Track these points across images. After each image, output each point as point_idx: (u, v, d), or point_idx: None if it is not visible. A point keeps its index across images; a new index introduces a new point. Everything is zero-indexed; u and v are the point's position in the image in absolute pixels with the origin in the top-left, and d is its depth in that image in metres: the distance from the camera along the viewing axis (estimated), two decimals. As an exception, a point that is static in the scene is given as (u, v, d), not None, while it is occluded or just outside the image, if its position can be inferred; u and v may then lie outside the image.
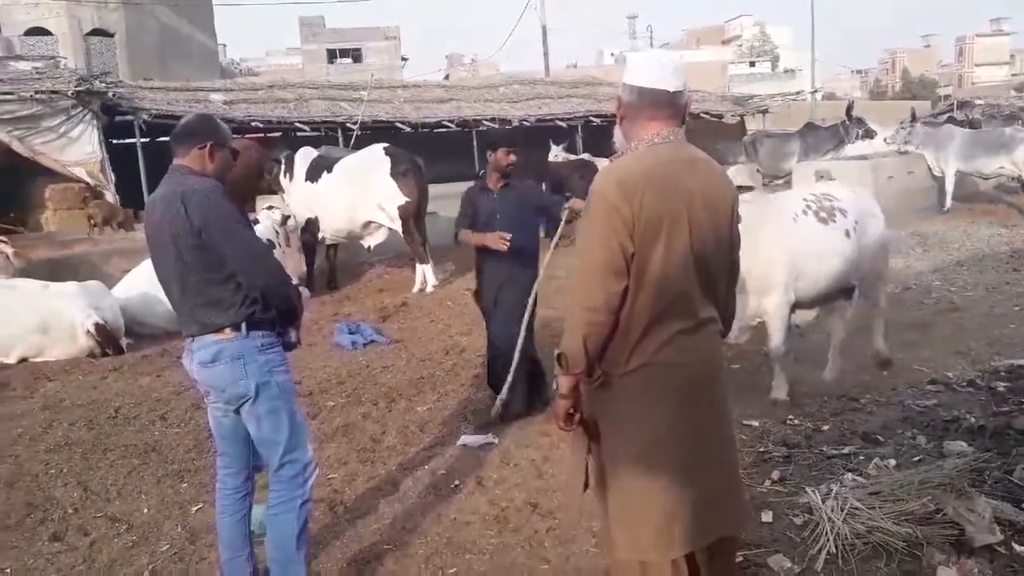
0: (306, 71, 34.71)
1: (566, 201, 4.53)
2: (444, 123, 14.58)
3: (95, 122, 10.41)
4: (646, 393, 2.16)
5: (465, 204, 4.86)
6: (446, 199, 11.31)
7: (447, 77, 37.86)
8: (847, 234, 4.88)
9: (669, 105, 2.19)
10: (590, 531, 3.41)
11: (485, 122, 14.81)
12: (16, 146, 10.03)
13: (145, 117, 11.25)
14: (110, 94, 10.98)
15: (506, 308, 4.69)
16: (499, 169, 4.76)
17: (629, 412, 2.18)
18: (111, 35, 23.48)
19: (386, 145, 9.20)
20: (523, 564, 3.23)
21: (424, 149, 11.21)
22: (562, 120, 15.83)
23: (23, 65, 12.64)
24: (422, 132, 14.68)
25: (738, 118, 19.50)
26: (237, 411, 2.85)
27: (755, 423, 4.44)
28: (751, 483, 3.67)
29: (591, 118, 16.42)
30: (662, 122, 2.19)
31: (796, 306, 5.02)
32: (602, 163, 12.59)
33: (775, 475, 3.76)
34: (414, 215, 8.85)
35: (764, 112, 20.15)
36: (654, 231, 2.07)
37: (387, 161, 8.85)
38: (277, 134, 14.02)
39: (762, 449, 4.10)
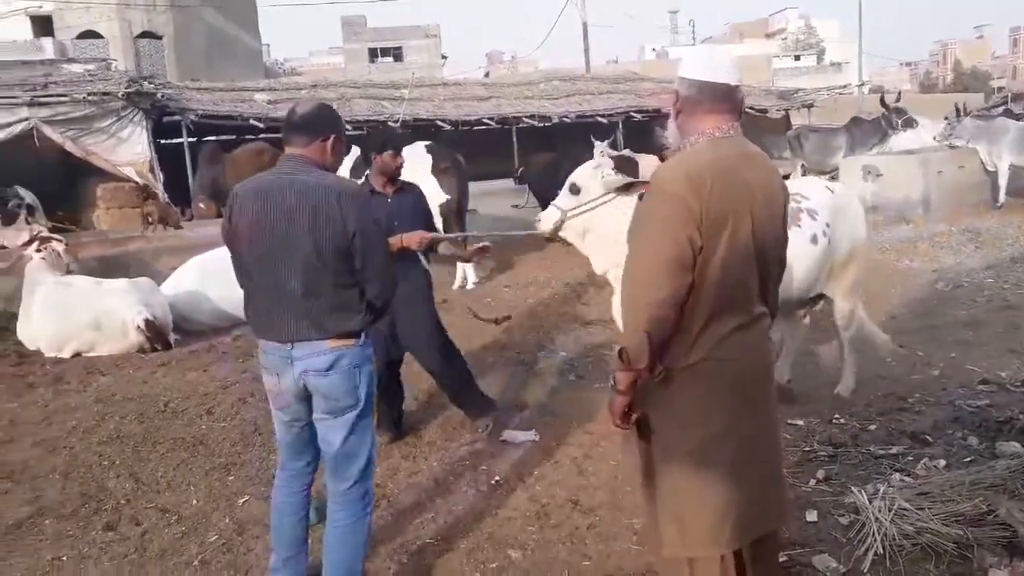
0: (348, 70, 35.12)
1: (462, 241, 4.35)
2: (484, 121, 14.61)
3: (144, 122, 10.67)
4: (704, 388, 2.16)
5: None
6: (486, 196, 11.40)
7: (487, 75, 37.94)
8: (813, 239, 4.40)
9: (727, 99, 2.20)
10: (631, 528, 3.41)
11: (525, 119, 14.81)
12: (70, 146, 10.32)
13: (192, 117, 11.49)
14: (159, 95, 11.23)
15: (418, 322, 4.40)
16: (387, 172, 4.36)
17: (686, 407, 2.18)
18: (159, 37, 24.04)
19: (428, 143, 9.27)
20: (564, 560, 3.23)
21: (464, 147, 11.25)
22: (603, 116, 15.74)
23: (76, 68, 12.99)
24: (462, 130, 14.72)
25: (783, 113, 19.18)
26: (309, 423, 2.79)
27: (800, 422, 4.38)
28: (796, 482, 3.62)
29: (632, 114, 16.30)
30: (721, 116, 2.19)
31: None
32: (644, 159, 12.52)
33: (820, 474, 3.71)
34: (455, 212, 8.89)
35: (809, 106, 19.78)
36: (719, 225, 2.07)
37: (428, 159, 8.91)
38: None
39: (807, 448, 4.04)
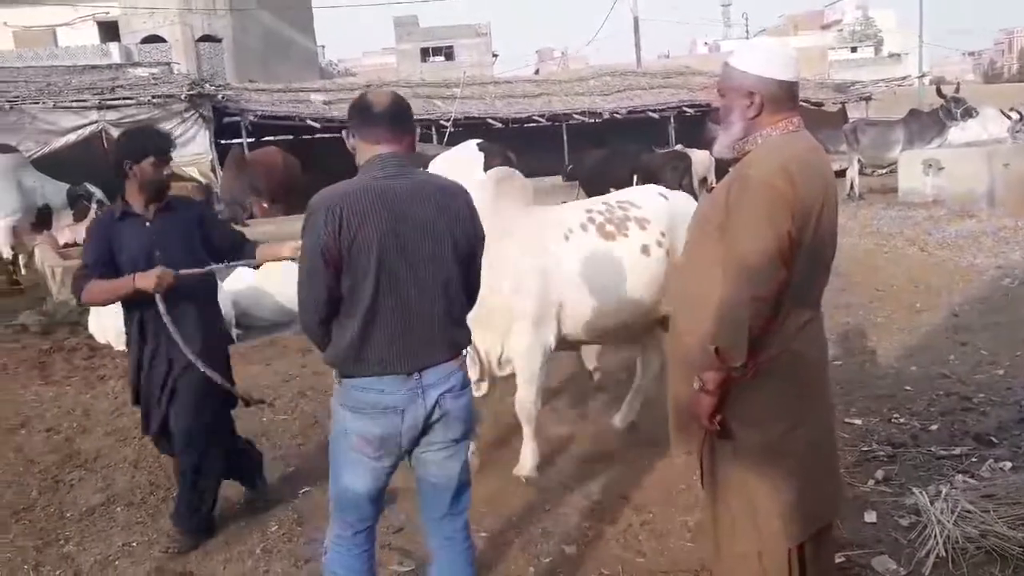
0: (400, 70, 35.52)
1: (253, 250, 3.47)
2: (534, 118, 14.65)
3: (206, 123, 10.99)
4: (778, 383, 2.18)
5: (96, 242, 3.37)
6: (538, 193, 11.43)
7: (537, 72, 37.92)
8: (644, 250, 3.98)
9: (797, 95, 2.26)
10: (685, 526, 3.41)
11: (575, 115, 14.80)
12: (135, 148, 10.68)
13: (251, 118, 11.82)
14: (219, 97, 11.56)
15: (195, 390, 3.42)
16: (150, 187, 3.36)
17: (760, 402, 2.20)
18: (219, 40, 24.66)
19: (479, 141, 9.28)
20: (617, 556, 3.25)
21: (515, 144, 11.29)
22: (654, 111, 15.64)
23: (141, 71, 13.45)
24: (513, 127, 14.79)
25: (839, 106, 18.77)
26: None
27: (858, 421, 4.31)
28: (854, 482, 3.58)
29: (684, 108, 16.15)
30: (793, 112, 2.22)
31: (573, 344, 4.16)
32: (696, 154, 12.40)
33: (879, 475, 3.65)
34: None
35: (867, 99, 19.32)
36: (807, 219, 2.10)
37: (480, 157, 8.93)
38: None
39: (865, 448, 3.98)
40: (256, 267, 3.58)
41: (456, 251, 2.32)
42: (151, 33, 23.77)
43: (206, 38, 24.47)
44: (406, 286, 2.25)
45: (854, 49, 55.88)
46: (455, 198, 2.36)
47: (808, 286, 2.21)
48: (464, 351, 2.44)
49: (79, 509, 3.94)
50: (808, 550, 2.29)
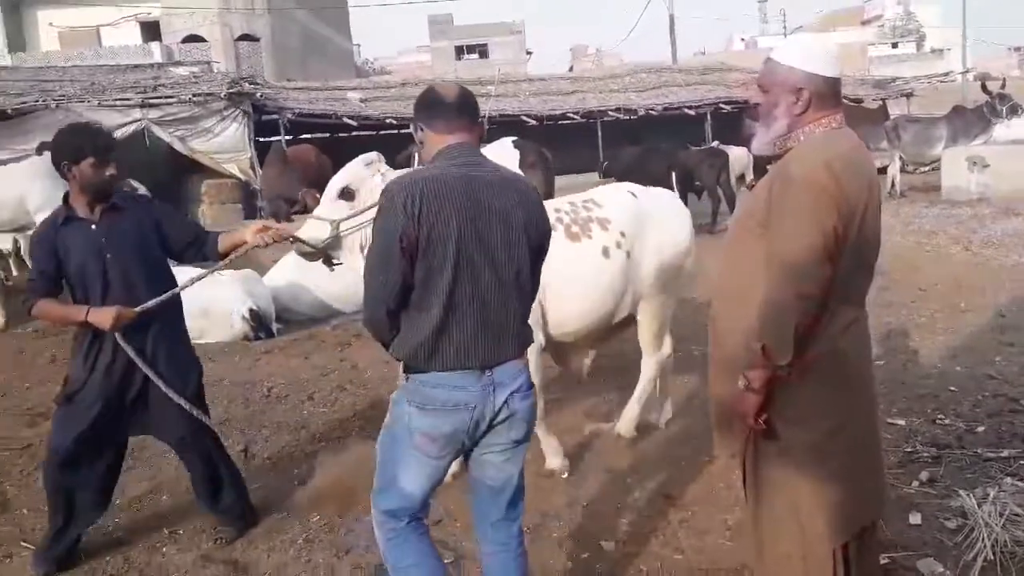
0: (435, 68, 35.68)
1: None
2: (569, 115, 14.63)
3: (245, 121, 11.15)
4: (823, 382, 2.16)
5: (42, 252, 3.19)
6: (572, 190, 11.39)
7: (571, 69, 37.85)
8: (605, 252, 3.84)
9: (840, 93, 2.25)
10: (725, 524, 3.40)
11: (610, 112, 14.74)
12: (177, 145, 10.90)
13: (289, 116, 11.97)
14: (258, 95, 11.72)
15: (163, 403, 3.27)
16: (92, 189, 3.17)
17: (806, 402, 2.18)
18: (257, 39, 24.99)
19: (515, 138, 9.36)
20: (656, 553, 3.24)
21: (550, 141, 11.31)
22: (690, 108, 15.51)
23: (182, 71, 13.68)
24: (547, 124, 14.79)
25: (879, 102, 18.45)
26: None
27: (901, 421, 4.24)
28: (897, 483, 3.53)
29: (720, 105, 15.99)
30: (837, 110, 2.20)
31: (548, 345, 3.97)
32: (733, 151, 12.28)
33: (924, 476, 3.60)
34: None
35: (908, 95, 18.96)
36: (852, 216, 2.07)
37: (515, 154, 8.99)
38: (409, 130, 14.55)
39: (909, 449, 3.92)
40: (218, 260, 3.44)
41: (529, 244, 2.27)
42: (191, 33, 24.18)
43: (245, 37, 24.82)
44: (484, 277, 2.18)
45: (895, 45, 54.74)
46: (530, 190, 2.35)
47: (853, 284, 2.19)
48: (527, 350, 2.39)
49: (127, 497, 4.03)
50: (852, 551, 2.27)
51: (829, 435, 2.19)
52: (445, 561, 3.17)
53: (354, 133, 14.09)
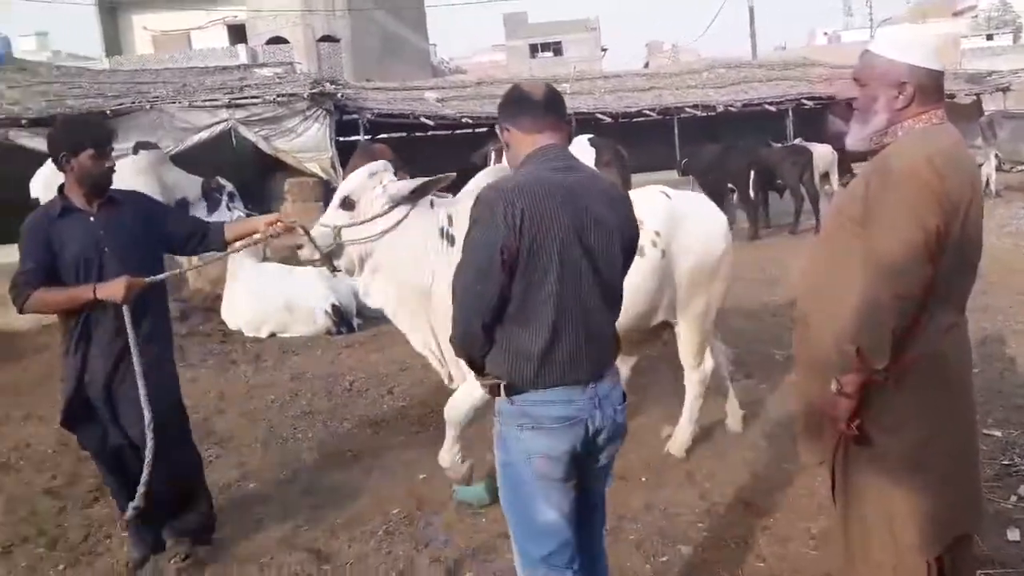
0: (509, 67, 35.82)
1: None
2: (645, 112, 14.44)
3: (327, 121, 11.41)
4: (920, 387, 2.09)
5: (34, 244, 3.07)
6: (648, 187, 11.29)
7: (646, 65, 37.41)
8: (639, 251, 3.63)
9: (943, 87, 2.16)
10: (808, 533, 3.32)
11: (687, 109, 14.49)
12: (262, 145, 11.21)
13: (369, 116, 12.19)
14: (339, 95, 11.97)
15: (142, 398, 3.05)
16: (89, 181, 3.13)
17: (902, 407, 2.11)
18: (337, 40, 25.57)
19: (591, 136, 9.31)
20: (736, 559, 3.19)
21: (626, 138, 11.20)
22: (771, 104, 15.11)
23: (266, 72, 14.10)
24: (622, 121, 14.65)
25: (973, 97, 17.59)
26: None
27: (998, 433, 4.05)
28: (994, 498, 3.37)
29: (802, 101, 15.53)
30: (939, 105, 2.12)
31: None
32: (816, 148, 11.92)
33: (1022, 491, 3.43)
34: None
35: (1004, 90, 17.99)
36: (954, 215, 2.00)
37: (591, 152, 8.93)
38: (484, 129, 14.63)
39: (1006, 462, 3.75)
40: (224, 249, 3.47)
41: (623, 250, 2.20)
42: (275, 35, 24.92)
43: (326, 38, 25.42)
44: (585, 286, 2.09)
45: (990, 37, 52.09)
46: (620, 191, 2.26)
47: (954, 286, 2.11)
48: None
49: (217, 484, 4.18)
50: (947, 564, 2.18)
51: (925, 443, 2.10)
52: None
53: (430, 132, 14.26)
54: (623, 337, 3.79)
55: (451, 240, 3.47)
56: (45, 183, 9.19)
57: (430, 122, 12.95)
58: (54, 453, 4.73)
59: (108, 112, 10.20)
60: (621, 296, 2.26)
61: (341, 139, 12.18)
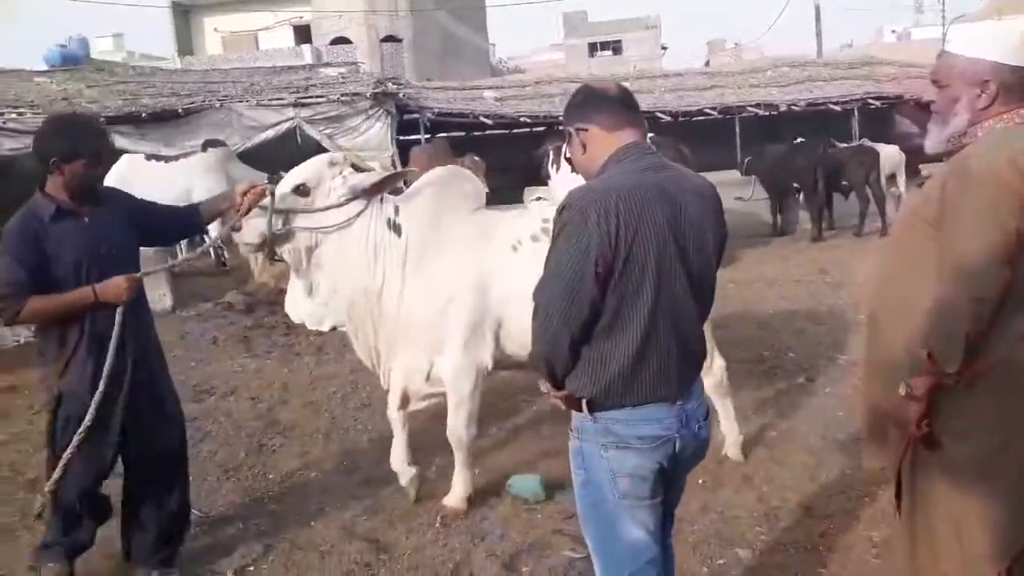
0: (568, 66, 35.76)
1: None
2: (706, 111, 14.25)
3: (388, 120, 11.58)
4: (996, 392, 2.02)
5: (25, 249, 2.87)
6: (709, 189, 11.16)
7: (707, 64, 36.91)
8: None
9: None
10: (870, 540, 3.26)
11: (749, 108, 14.24)
12: (325, 143, 11.43)
13: (429, 115, 12.33)
14: (400, 94, 12.16)
15: (151, 401, 3.15)
16: (83, 187, 2.98)
17: (976, 412, 2.05)
18: (400, 41, 25.96)
19: (651, 135, 9.25)
20: (795, 565, 3.16)
21: (686, 138, 11.08)
22: (836, 104, 14.74)
23: (331, 71, 14.38)
24: (682, 121, 14.49)
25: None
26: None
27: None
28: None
29: (869, 101, 15.11)
30: (1023, 103, 2.03)
31: (520, 366, 3.67)
32: (883, 149, 11.60)
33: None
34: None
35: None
36: None
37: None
38: (542, 128, 14.67)
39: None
40: (204, 229, 3.45)
41: (716, 251, 2.08)
42: (339, 35, 25.43)
43: (388, 38, 25.82)
44: (680, 295, 1.96)
45: (1075, 32, 49.75)
46: (712, 189, 2.11)
47: None
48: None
49: (280, 472, 4.33)
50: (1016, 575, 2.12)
51: (997, 450, 2.04)
52: (576, 555, 3.24)
53: (488, 132, 14.35)
54: None
55: (397, 230, 3.45)
56: (119, 177, 9.64)
57: (489, 121, 13.03)
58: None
59: (181, 110, 10.59)
60: (712, 302, 2.15)
61: (401, 138, 12.35)
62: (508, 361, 3.68)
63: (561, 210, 1.94)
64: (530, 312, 3.22)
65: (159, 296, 8.57)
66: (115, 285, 2.91)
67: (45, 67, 15.67)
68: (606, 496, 2.03)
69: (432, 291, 3.43)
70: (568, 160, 2.20)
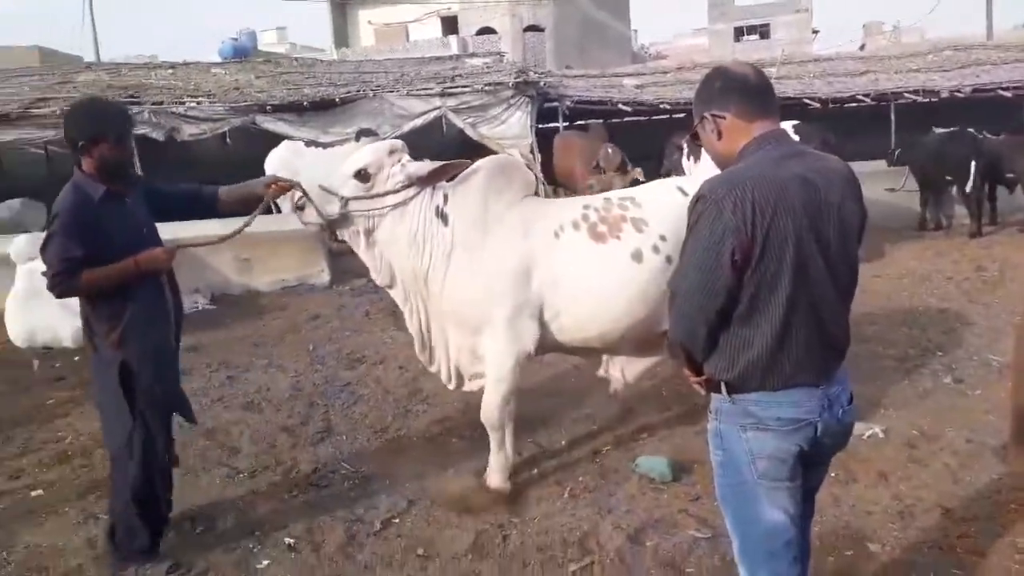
0: (712, 51, 34.79)
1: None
2: (858, 97, 13.51)
3: (529, 109, 11.80)
4: None
5: (82, 228, 3.03)
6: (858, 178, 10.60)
7: (862, 47, 34.81)
8: (636, 256, 3.52)
9: None
10: (1013, 546, 3.15)
11: (906, 94, 13.36)
12: (468, 131, 11.82)
13: (568, 103, 12.44)
14: (541, 83, 12.33)
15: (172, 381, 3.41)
16: (114, 168, 3.15)
17: None
18: (542, 30, 26.21)
19: (796, 123, 8.96)
20: (930, 564, 3.10)
21: (835, 125, 10.61)
22: (1006, 89, 13.59)
23: (476, 61, 14.76)
24: (832, 107, 13.81)
25: None
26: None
27: None
28: None
29: (1046, 86, 13.83)
30: None
31: (564, 349, 3.81)
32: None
33: None
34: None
35: None
36: None
37: (796, 139, 8.58)
38: (683, 115, 14.45)
39: None
40: (216, 211, 3.56)
41: (856, 238, 2.05)
42: (484, 25, 26.01)
43: (531, 28, 26.13)
44: (820, 281, 1.96)
45: None
46: (851, 175, 2.07)
47: None
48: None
49: (422, 435, 4.66)
50: None
51: None
52: (701, 535, 3.33)
53: (626, 119, 14.29)
54: (617, 343, 3.75)
55: (444, 219, 3.57)
56: (282, 162, 10.36)
57: (628, 108, 12.97)
58: (290, 397, 5.44)
59: (337, 100, 11.20)
60: (855, 288, 2.11)
61: (540, 126, 12.53)
62: (555, 346, 3.77)
63: (696, 201, 1.97)
64: (575, 298, 3.56)
65: (318, 272, 9.28)
66: (154, 257, 3.15)
67: (218, 59, 17.07)
68: (744, 477, 2.06)
69: (474, 275, 3.54)
70: (695, 140, 2.20)
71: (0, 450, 4.76)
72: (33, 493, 4.14)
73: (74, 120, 3.17)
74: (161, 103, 10.54)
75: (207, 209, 3.56)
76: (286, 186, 3.46)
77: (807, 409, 2.01)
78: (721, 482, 2.16)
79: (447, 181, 3.64)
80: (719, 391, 2.07)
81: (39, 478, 4.32)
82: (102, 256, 3.05)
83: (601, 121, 11.49)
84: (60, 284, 3.05)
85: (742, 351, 1.99)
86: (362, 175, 3.50)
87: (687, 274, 1.99)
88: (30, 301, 5.75)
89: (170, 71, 12.95)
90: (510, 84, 11.59)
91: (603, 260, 3.56)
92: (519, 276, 3.53)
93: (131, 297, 3.14)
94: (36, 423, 5.15)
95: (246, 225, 3.49)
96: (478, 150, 12.50)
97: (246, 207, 3.48)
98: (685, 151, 9.73)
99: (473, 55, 16.52)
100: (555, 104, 12.47)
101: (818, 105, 13.26)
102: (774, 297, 1.93)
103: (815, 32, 39.95)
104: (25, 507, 3.99)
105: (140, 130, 10.13)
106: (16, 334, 5.91)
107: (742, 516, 2.12)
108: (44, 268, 3.10)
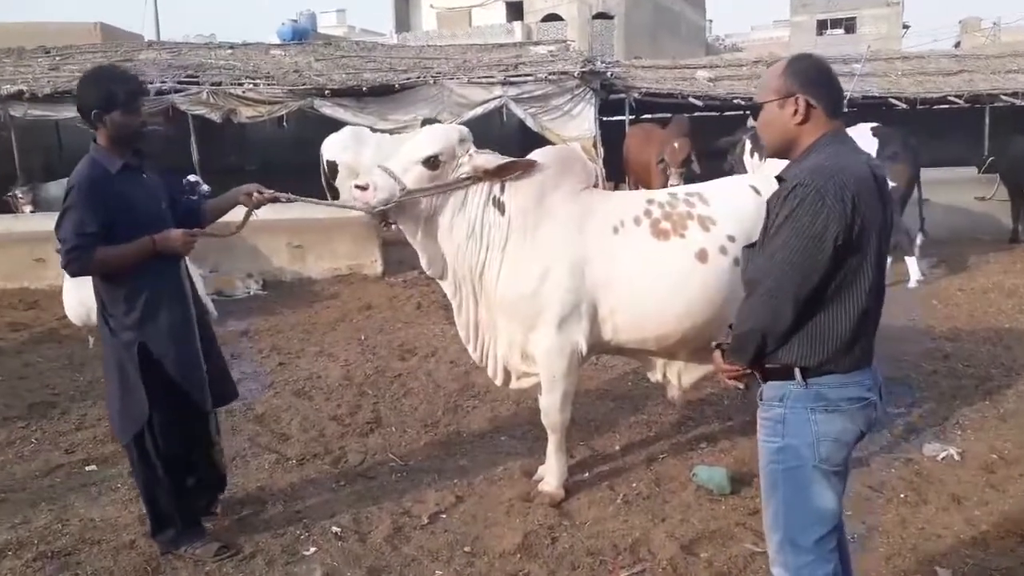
0: (792, 45, 33.72)
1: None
2: (950, 98, 12.71)
3: (593, 100, 11.47)
4: None
5: (97, 203, 2.97)
6: (943, 185, 10.00)
7: (957, 45, 33.20)
8: (701, 256, 3.39)
9: None
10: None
11: (1004, 96, 12.52)
12: (529, 122, 11.53)
13: (636, 95, 12.04)
14: (608, 74, 11.99)
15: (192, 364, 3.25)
16: (127, 136, 3.09)
17: None
18: (611, 18, 25.81)
19: (875, 125, 8.53)
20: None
21: (922, 128, 10.05)
22: (1125, 93, 12.55)
23: (540, 49, 14.50)
24: (920, 109, 13.06)
25: None
26: None
27: None
28: None
29: None
30: None
31: (618, 350, 3.70)
32: None
33: None
34: (898, 203, 8.09)
35: None
36: None
37: (874, 143, 8.20)
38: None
39: None
40: (201, 224, 3.38)
41: (884, 239, 2.16)
42: (550, 12, 25.75)
43: (600, 15, 25.74)
44: (881, 272, 2.13)
45: None
46: (885, 174, 2.22)
47: None
48: None
49: (472, 431, 4.60)
50: None
51: None
52: (758, 549, 3.17)
53: (697, 114, 13.85)
54: (677, 345, 3.62)
55: (501, 208, 3.46)
56: (342, 145, 10.36)
57: (698, 102, 12.54)
58: (340, 386, 5.45)
59: (397, 85, 10.99)
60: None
61: (604, 119, 12.19)
62: (610, 347, 3.67)
63: (792, 188, 2.02)
64: (632, 297, 3.47)
65: (371, 262, 9.29)
66: (173, 238, 3.06)
67: (277, 40, 17.16)
68: (805, 460, 2.12)
69: (528, 268, 3.45)
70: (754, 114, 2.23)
71: (56, 424, 4.89)
72: (88, 468, 4.24)
73: (84, 90, 3.11)
74: (220, 84, 10.43)
75: (191, 220, 3.38)
76: (270, 197, 3.34)
77: (868, 387, 2.14)
78: (773, 467, 2.19)
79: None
80: (790, 377, 2.12)
81: (93, 453, 4.41)
82: (121, 230, 2.99)
83: (685, 116, 10.92)
84: (74, 261, 2.98)
85: (825, 336, 2.07)
86: (431, 162, 3.38)
87: (785, 260, 2.02)
88: (86, 279, 5.87)
89: (229, 51, 12.89)
90: (575, 74, 11.26)
91: (664, 258, 3.45)
92: (571, 271, 3.43)
93: (149, 276, 3.08)
94: (91, 399, 5.27)
95: (246, 220, 3.46)
96: (538, 142, 12.32)
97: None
98: (748, 147, 9.38)
99: (538, 43, 16.19)
100: (621, 96, 12.09)
101: (905, 106, 12.53)
102: (858, 283, 2.06)
103: (906, 27, 38.29)
104: (79, 481, 4.08)
105: (198, 111, 10.22)
106: (73, 311, 5.97)
107: (796, 499, 2.15)
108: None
